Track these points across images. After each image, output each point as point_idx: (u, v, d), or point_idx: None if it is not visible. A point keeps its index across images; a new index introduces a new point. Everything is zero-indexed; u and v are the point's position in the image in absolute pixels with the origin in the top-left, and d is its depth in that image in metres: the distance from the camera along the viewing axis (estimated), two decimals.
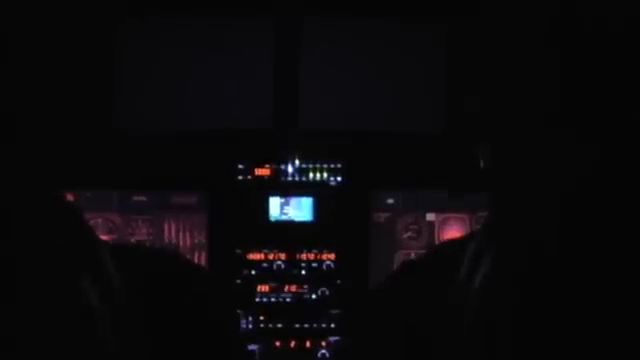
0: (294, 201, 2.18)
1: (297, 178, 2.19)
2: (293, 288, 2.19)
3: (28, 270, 0.77)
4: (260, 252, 2.18)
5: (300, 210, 2.18)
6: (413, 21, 2.24)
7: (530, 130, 0.79)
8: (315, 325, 2.18)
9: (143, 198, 2.16)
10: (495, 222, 0.82)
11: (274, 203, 2.18)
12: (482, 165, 0.87)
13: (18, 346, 0.75)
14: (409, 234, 2.19)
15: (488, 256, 0.78)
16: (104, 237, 2.12)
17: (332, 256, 2.18)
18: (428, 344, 0.86)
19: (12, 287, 0.76)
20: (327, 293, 2.18)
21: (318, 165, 2.19)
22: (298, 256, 2.18)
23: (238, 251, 2.18)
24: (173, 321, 0.92)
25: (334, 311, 2.18)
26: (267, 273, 2.18)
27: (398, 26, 2.24)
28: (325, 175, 2.19)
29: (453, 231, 2.17)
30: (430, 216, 2.18)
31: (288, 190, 2.18)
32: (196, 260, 2.16)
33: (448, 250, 0.96)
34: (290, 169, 2.19)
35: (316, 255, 2.18)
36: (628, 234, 0.74)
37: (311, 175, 2.19)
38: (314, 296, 2.18)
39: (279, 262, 2.18)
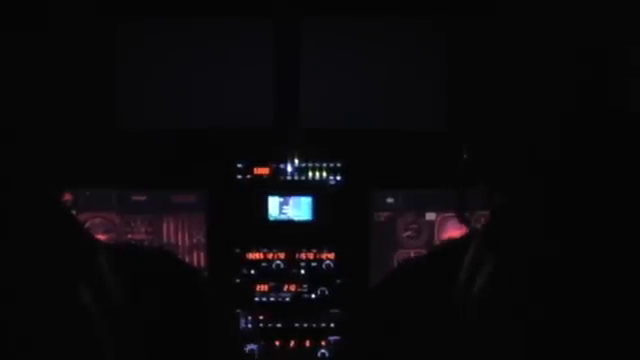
0: (293, 200, 2.17)
1: (296, 177, 2.18)
2: (292, 287, 2.18)
3: (25, 274, 0.77)
4: (259, 251, 2.18)
5: (299, 209, 2.17)
6: (413, 20, 2.23)
7: (527, 130, 0.79)
8: (314, 325, 2.18)
9: (142, 197, 2.15)
10: (494, 229, 0.82)
11: (273, 202, 2.17)
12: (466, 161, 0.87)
13: (16, 349, 0.74)
14: (409, 233, 2.18)
15: (487, 263, 0.77)
16: (102, 236, 2.11)
17: (331, 255, 2.18)
18: (425, 344, 0.86)
19: (10, 291, 0.76)
20: (326, 292, 2.18)
21: (317, 164, 2.18)
22: (297, 255, 2.18)
23: (237, 250, 2.17)
24: (169, 321, 0.91)
25: (333, 310, 2.18)
26: (266, 272, 2.17)
27: (398, 25, 2.23)
28: (324, 174, 2.18)
29: (453, 230, 2.16)
30: (430, 215, 2.17)
31: (287, 189, 2.18)
32: (195, 259, 2.16)
33: (445, 252, 0.96)
34: (289, 168, 2.18)
35: (315, 254, 2.18)
36: (627, 236, 0.74)
37: (310, 174, 2.18)
38: (313, 295, 2.18)
39: (278, 261, 2.18)
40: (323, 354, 2.17)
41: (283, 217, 2.17)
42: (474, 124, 0.85)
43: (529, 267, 0.76)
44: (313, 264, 2.18)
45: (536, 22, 0.78)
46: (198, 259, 2.16)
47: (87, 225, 2.09)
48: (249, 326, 2.16)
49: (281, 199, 2.17)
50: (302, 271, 2.18)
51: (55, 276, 0.79)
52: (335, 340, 2.17)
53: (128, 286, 0.86)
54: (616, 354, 0.71)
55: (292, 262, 2.18)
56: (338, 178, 2.18)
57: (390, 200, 2.18)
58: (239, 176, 2.17)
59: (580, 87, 0.75)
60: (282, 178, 2.18)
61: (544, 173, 0.78)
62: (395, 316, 0.92)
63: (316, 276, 2.18)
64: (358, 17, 2.23)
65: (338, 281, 2.17)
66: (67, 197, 2.07)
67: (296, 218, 2.17)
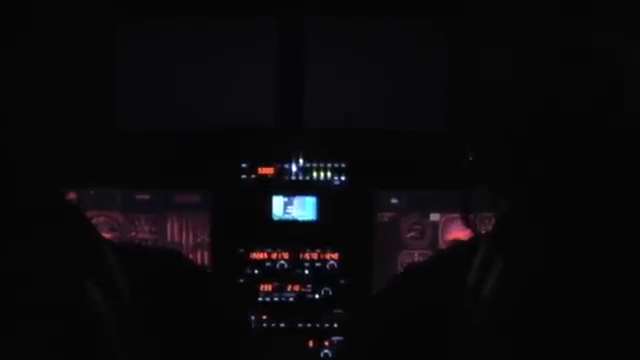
0: (297, 200, 2.17)
1: (300, 177, 2.19)
2: (296, 288, 2.18)
3: (33, 270, 0.77)
4: (263, 251, 2.18)
5: (303, 209, 2.17)
6: (413, 20, 2.23)
7: (528, 131, 0.79)
8: (318, 325, 2.18)
9: (146, 196, 2.16)
10: (503, 230, 0.82)
11: (277, 202, 2.17)
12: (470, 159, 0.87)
13: (23, 345, 0.74)
14: (413, 234, 2.18)
15: (497, 264, 0.77)
16: (106, 235, 2.11)
17: (335, 256, 2.18)
18: (429, 349, 0.86)
19: (17, 289, 0.76)
20: (330, 293, 2.18)
21: (321, 164, 2.18)
22: (301, 255, 2.18)
23: (241, 250, 2.18)
24: (178, 321, 0.91)
25: (337, 311, 2.18)
26: (270, 272, 2.18)
27: (399, 25, 2.24)
28: (329, 174, 2.18)
29: (457, 231, 2.16)
30: (434, 216, 2.17)
31: (291, 189, 2.18)
32: (199, 259, 2.16)
33: (452, 256, 0.96)
34: (293, 168, 2.18)
35: (319, 255, 2.18)
36: (632, 234, 0.74)
37: (314, 174, 2.18)
38: (317, 296, 2.18)
39: (282, 261, 2.18)
40: (326, 354, 2.17)
41: (287, 217, 2.18)
42: (474, 125, 0.85)
43: (538, 266, 0.76)
44: (317, 264, 2.18)
45: (536, 22, 0.78)
46: (202, 259, 2.16)
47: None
48: (252, 326, 2.16)
49: (285, 199, 2.17)
50: (306, 271, 2.18)
51: (65, 274, 0.79)
52: (338, 340, 2.17)
53: (136, 285, 0.86)
54: (633, 351, 0.71)
55: (296, 262, 2.18)
56: (342, 178, 2.18)
57: (394, 200, 2.18)
58: (243, 176, 2.18)
59: (582, 87, 0.75)
60: (286, 178, 2.18)
61: (548, 173, 0.78)
62: (399, 320, 0.92)
63: (320, 276, 2.18)
64: (359, 17, 2.24)
65: (342, 281, 2.17)
66: (71, 196, 2.08)
67: (300, 218, 2.18)
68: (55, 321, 0.77)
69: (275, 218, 2.18)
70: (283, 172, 2.18)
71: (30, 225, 0.78)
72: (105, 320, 0.79)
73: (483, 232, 0.89)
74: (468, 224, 0.93)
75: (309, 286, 2.18)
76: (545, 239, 0.77)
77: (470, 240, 0.93)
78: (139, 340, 0.84)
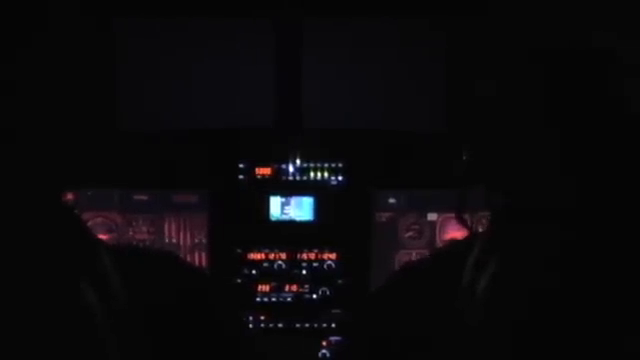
0: (295, 201, 2.17)
1: (298, 177, 2.18)
2: (294, 288, 2.18)
3: (28, 271, 0.77)
4: (261, 252, 2.18)
5: (301, 210, 2.17)
6: (412, 20, 2.23)
7: (526, 131, 0.79)
8: (316, 325, 2.18)
9: (144, 197, 2.15)
10: (498, 229, 0.82)
11: (275, 203, 2.17)
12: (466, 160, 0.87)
13: (18, 346, 0.74)
14: (410, 234, 2.18)
15: (491, 264, 0.77)
16: (104, 236, 2.11)
17: (333, 256, 2.18)
18: (426, 348, 0.86)
19: (13, 290, 0.76)
20: (328, 293, 2.18)
21: (319, 165, 2.18)
22: (299, 256, 2.18)
23: (239, 250, 2.17)
24: (174, 323, 0.91)
25: (335, 311, 2.18)
26: (268, 273, 2.18)
27: (397, 25, 2.24)
28: (326, 175, 2.18)
29: (454, 231, 2.16)
30: (431, 216, 2.17)
31: (289, 189, 2.18)
32: (196, 259, 2.16)
33: (448, 254, 0.96)
34: (291, 169, 2.18)
35: (317, 255, 2.18)
36: (630, 234, 0.74)
37: (312, 175, 2.18)
38: (315, 296, 2.18)
39: (280, 262, 2.18)
40: (324, 354, 2.17)
41: (285, 217, 2.17)
42: (473, 124, 0.85)
43: (534, 267, 0.76)
44: (314, 264, 2.18)
45: (535, 21, 0.78)
46: (199, 259, 2.16)
47: (89, 225, 2.09)
48: (250, 326, 2.16)
49: (283, 199, 2.17)
50: (303, 271, 2.18)
51: (59, 275, 0.79)
52: (336, 340, 2.17)
53: (131, 287, 0.86)
54: (624, 352, 0.71)
55: (293, 262, 2.18)
56: (340, 178, 2.18)
57: (392, 200, 2.18)
58: (241, 176, 2.17)
59: (581, 87, 0.75)
60: (284, 178, 2.18)
61: (547, 173, 0.78)
62: (397, 319, 0.92)
63: (317, 276, 2.18)
64: (357, 17, 2.24)
65: (339, 281, 2.17)
66: (69, 197, 2.08)
67: (298, 218, 2.18)
68: (49, 322, 0.77)
69: (273, 218, 2.17)
70: (280, 172, 2.18)
71: (26, 226, 0.78)
72: (99, 321, 0.79)
73: (480, 231, 0.89)
74: (462, 223, 0.94)
75: (307, 286, 2.18)
76: (539, 239, 0.77)
77: (466, 239, 0.93)
78: (134, 342, 0.84)
